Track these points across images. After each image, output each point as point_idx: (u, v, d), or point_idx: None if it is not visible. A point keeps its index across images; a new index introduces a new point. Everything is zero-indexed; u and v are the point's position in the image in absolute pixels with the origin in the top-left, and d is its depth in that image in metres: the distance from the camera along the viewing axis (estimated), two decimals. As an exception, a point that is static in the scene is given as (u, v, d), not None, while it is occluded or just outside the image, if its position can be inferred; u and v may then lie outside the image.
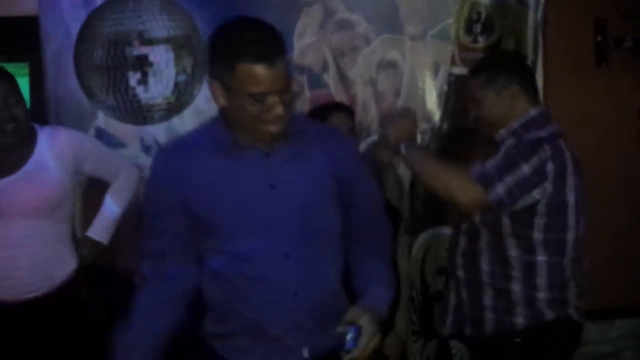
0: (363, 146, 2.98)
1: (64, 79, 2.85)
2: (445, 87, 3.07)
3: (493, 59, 2.37)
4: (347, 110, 2.55)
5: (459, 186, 2.03)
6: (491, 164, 2.04)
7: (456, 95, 3.01)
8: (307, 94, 3.03)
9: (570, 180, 2.09)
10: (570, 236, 2.12)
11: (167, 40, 2.88)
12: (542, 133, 2.11)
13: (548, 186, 2.04)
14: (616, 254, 3.16)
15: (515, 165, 2.02)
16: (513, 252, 2.08)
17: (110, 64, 2.82)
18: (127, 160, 2.58)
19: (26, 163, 2.23)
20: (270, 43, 1.55)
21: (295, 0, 3.00)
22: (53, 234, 2.26)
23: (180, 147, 1.71)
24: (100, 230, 2.39)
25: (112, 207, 2.41)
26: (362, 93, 3.05)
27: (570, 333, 2.16)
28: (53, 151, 2.25)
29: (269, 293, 1.61)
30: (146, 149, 2.90)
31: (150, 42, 2.86)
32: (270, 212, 1.60)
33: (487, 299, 2.12)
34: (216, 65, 1.59)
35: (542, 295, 2.08)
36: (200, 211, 1.62)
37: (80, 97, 2.83)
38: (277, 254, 1.61)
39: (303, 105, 3.00)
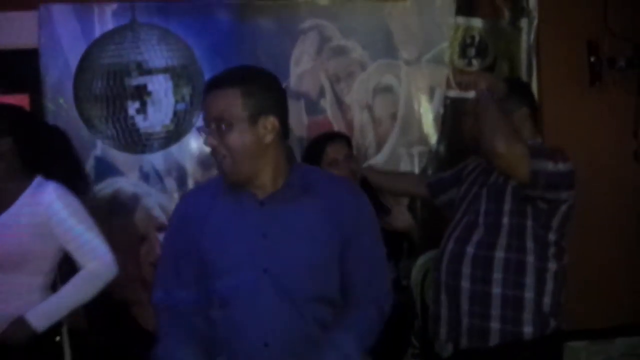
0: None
1: (63, 109, 2.89)
2: (442, 110, 3.11)
3: (508, 81, 2.40)
4: (342, 138, 2.56)
5: (515, 139, 2.08)
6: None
7: (452, 117, 3.04)
8: (305, 119, 3.06)
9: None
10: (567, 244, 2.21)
11: (165, 70, 2.91)
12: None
13: (573, 193, 2.16)
14: (614, 271, 3.16)
15: (555, 161, 2.10)
16: (530, 259, 2.12)
17: (110, 94, 2.84)
18: (107, 254, 2.19)
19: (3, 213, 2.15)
20: (225, 75, 1.64)
21: (292, 27, 3.05)
22: (24, 286, 2.16)
23: (200, 188, 1.82)
24: (41, 318, 2.12)
25: (65, 300, 2.17)
26: (359, 118, 3.09)
27: (562, 342, 2.25)
28: (29, 207, 2.16)
29: (243, 340, 1.62)
30: (145, 177, 2.93)
31: (149, 71, 2.89)
32: (259, 261, 1.61)
33: (495, 309, 2.13)
34: None
35: (547, 301, 2.14)
36: (201, 250, 1.67)
37: (79, 127, 2.85)
38: (256, 302, 1.61)
39: (301, 131, 3.03)
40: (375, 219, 1.80)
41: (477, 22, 3.14)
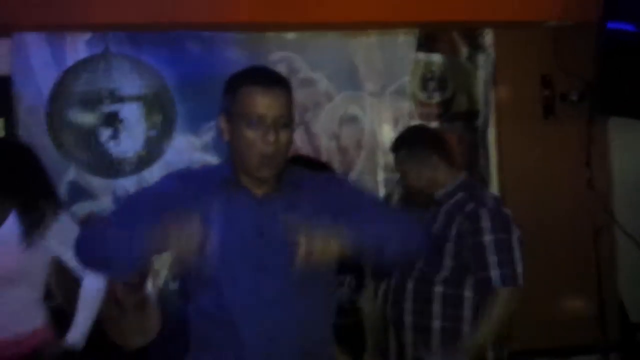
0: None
1: (36, 135, 2.90)
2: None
3: (411, 134, 2.48)
4: (305, 162, 2.57)
5: (506, 311, 2.18)
6: (492, 249, 2.17)
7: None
8: (273, 147, 3.12)
9: None
10: None
11: (137, 98, 2.98)
12: (488, 192, 2.37)
13: None
14: (568, 294, 3.28)
15: (510, 243, 2.19)
16: (467, 293, 2.22)
17: (83, 121, 2.90)
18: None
19: None
20: (270, 74, 1.67)
21: (261, 59, 3.12)
22: (17, 299, 2.22)
23: (188, 175, 1.74)
24: (79, 335, 2.31)
25: (87, 311, 2.33)
26: (327, 146, 3.19)
27: None
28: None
29: (248, 337, 1.62)
30: (118, 201, 2.96)
31: (121, 99, 2.96)
32: (256, 259, 1.62)
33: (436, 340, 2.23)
34: (224, 98, 1.66)
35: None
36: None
37: (52, 152, 2.88)
38: (258, 300, 1.62)
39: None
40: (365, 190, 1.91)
41: (437, 58, 3.29)
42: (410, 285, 2.27)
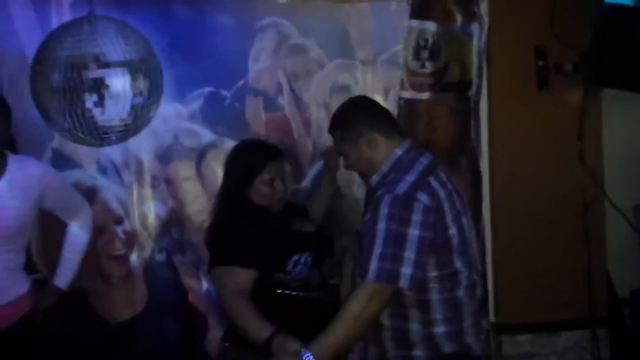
0: (316, 168, 3.06)
1: (20, 101, 2.85)
2: (396, 111, 3.18)
3: (342, 114, 2.27)
4: (282, 157, 2.55)
5: (369, 305, 1.93)
6: (381, 256, 1.92)
7: (405, 117, 3.12)
8: (263, 116, 3.10)
9: (449, 217, 2.05)
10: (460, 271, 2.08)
11: (123, 64, 2.90)
12: (411, 177, 2.04)
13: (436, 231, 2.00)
14: (559, 268, 3.29)
15: (404, 237, 1.93)
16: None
17: (67, 87, 2.82)
18: (84, 202, 2.61)
19: None
20: None
21: (250, 24, 3.08)
22: (6, 261, 2.26)
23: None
24: (64, 279, 2.47)
25: (73, 255, 2.48)
26: (317, 115, 3.15)
27: None
28: (21, 182, 2.26)
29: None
30: (102, 170, 2.93)
31: (106, 64, 2.88)
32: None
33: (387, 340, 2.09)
34: None
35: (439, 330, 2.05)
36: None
37: (36, 119, 2.83)
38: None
39: (259, 127, 3.07)
40: None
41: (431, 26, 3.21)
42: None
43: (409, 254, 1.92)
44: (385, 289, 1.93)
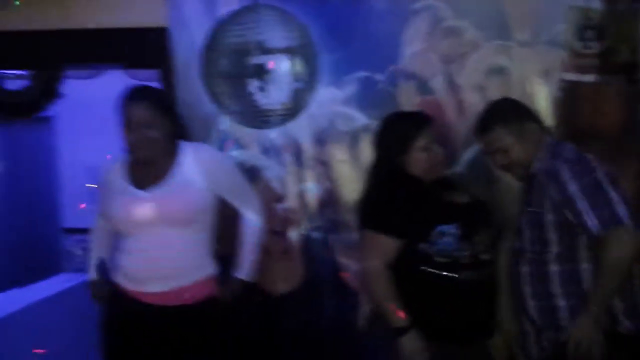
0: (470, 153, 3.03)
1: (191, 86, 3.08)
2: (558, 94, 3.07)
3: (502, 108, 2.44)
4: (430, 124, 2.54)
5: (619, 255, 2.07)
6: (579, 195, 2.11)
7: (568, 101, 3.00)
8: (416, 100, 3.10)
9: None
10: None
11: (284, 50, 3.04)
12: (569, 148, 2.29)
13: None
14: None
15: (596, 184, 2.11)
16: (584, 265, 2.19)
17: (233, 72, 3.01)
18: (252, 188, 2.67)
19: (169, 176, 2.37)
20: None
21: (404, 8, 3.08)
22: (190, 243, 2.39)
23: None
24: (246, 270, 2.55)
25: (251, 239, 2.57)
26: (471, 99, 3.09)
27: None
28: (197, 166, 2.39)
29: None
30: (264, 151, 3.10)
31: (269, 51, 3.03)
32: None
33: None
34: None
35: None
36: None
37: (205, 103, 3.04)
38: None
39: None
40: None
41: (596, 4, 3.06)
42: (525, 269, 2.25)
43: (610, 194, 2.09)
44: (622, 231, 2.05)
